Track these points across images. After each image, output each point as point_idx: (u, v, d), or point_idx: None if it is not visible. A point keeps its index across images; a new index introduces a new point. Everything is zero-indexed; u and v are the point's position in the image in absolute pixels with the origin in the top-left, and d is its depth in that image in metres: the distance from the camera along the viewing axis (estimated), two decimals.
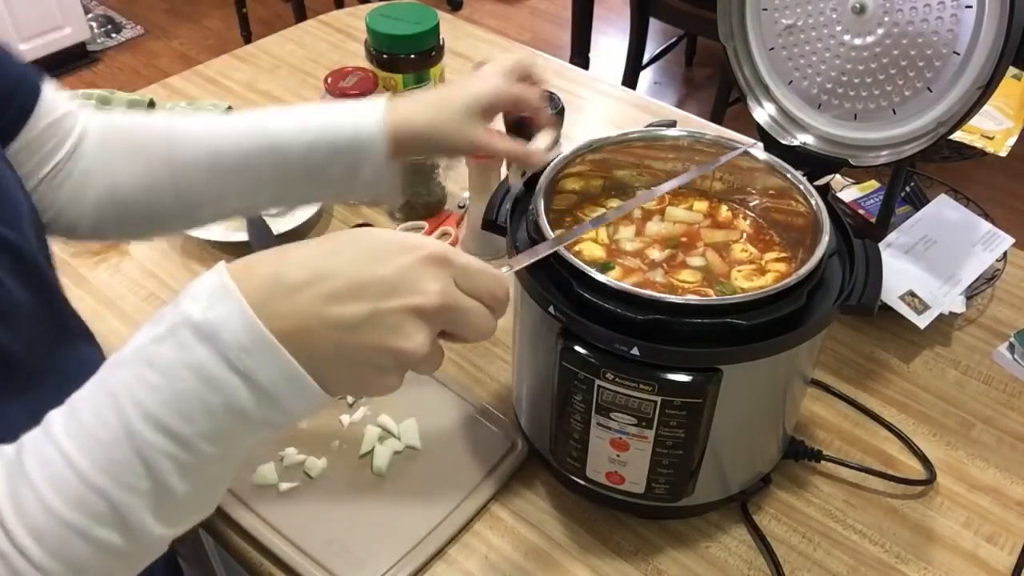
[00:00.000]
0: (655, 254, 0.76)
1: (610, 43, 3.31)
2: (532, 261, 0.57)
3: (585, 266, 0.63)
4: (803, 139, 0.82)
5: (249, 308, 0.41)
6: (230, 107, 1.27)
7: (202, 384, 0.41)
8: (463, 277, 0.46)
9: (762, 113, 0.84)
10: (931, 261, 0.93)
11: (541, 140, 0.75)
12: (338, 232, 0.47)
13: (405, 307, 0.43)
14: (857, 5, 0.75)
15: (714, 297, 0.70)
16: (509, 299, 0.49)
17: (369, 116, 0.67)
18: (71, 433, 0.42)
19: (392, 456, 0.80)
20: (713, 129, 1.30)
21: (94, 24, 3.44)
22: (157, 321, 0.43)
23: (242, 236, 1.02)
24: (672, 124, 0.81)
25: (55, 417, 0.44)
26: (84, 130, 0.70)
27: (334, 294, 0.42)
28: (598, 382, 0.64)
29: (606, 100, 1.37)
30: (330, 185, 0.70)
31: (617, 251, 0.76)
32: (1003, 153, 0.93)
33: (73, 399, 0.44)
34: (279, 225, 1.05)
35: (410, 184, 1.08)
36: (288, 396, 0.43)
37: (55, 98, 0.67)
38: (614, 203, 0.81)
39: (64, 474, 0.42)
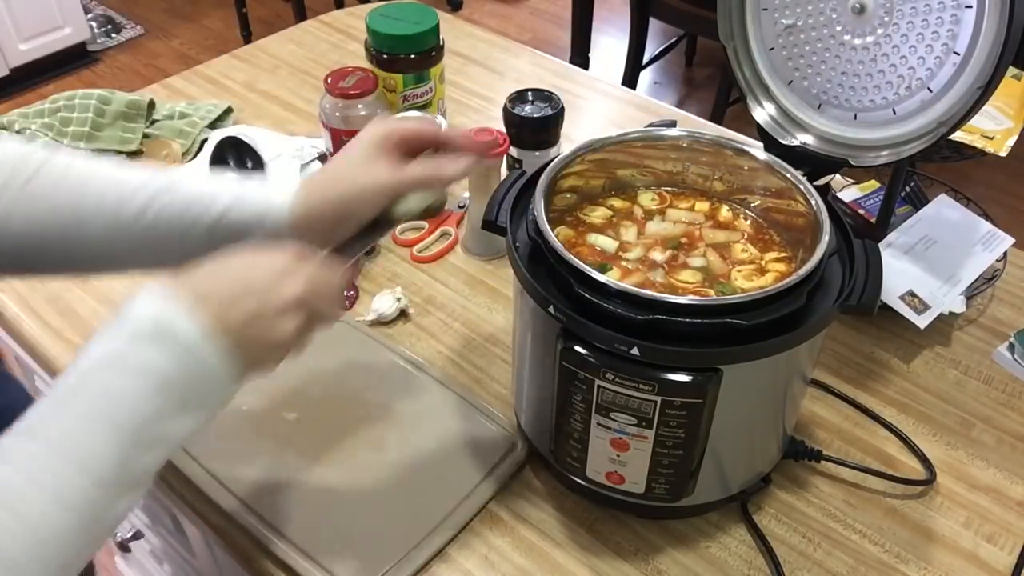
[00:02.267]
0: (656, 255, 0.76)
1: (610, 43, 3.31)
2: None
3: (585, 266, 0.63)
4: (803, 139, 0.82)
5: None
6: (230, 108, 1.27)
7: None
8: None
9: (762, 113, 0.84)
10: (931, 261, 0.93)
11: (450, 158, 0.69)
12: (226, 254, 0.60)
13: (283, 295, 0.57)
14: (857, 5, 0.75)
15: (714, 297, 0.70)
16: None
17: (278, 200, 0.66)
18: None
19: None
20: (713, 129, 1.30)
21: (94, 24, 3.44)
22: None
23: None
24: (672, 124, 0.81)
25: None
26: None
27: (232, 299, 0.57)
28: (598, 382, 0.65)
29: (606, 100, 1.37)
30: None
31: (618, 251, 0.76)
32: (1003, 153, 0.93)
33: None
34: None
35: None
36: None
37: None
38: (614, 202, 0.81)
39: None
